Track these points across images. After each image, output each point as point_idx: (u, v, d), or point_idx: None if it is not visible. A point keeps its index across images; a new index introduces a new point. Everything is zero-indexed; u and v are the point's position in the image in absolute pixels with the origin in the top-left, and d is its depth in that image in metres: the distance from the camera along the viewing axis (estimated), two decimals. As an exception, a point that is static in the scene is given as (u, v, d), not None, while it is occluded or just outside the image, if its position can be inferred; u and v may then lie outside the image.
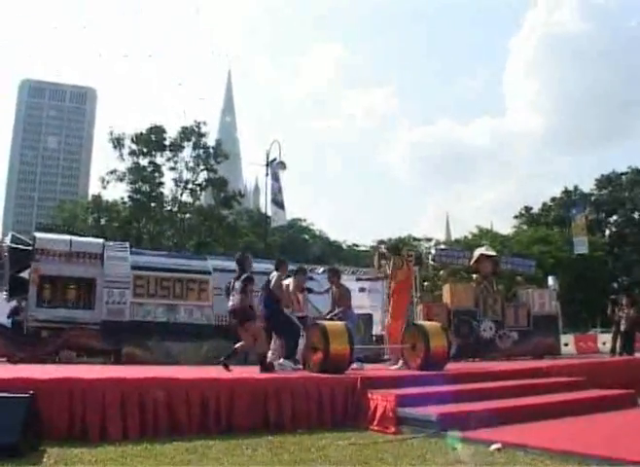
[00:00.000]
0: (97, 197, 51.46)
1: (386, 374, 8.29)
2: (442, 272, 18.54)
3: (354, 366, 8.67)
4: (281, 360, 9.06)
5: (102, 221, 50.53)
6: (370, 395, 6.77)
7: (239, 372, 7.80)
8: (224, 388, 6.39)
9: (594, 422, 6.46)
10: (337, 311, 10.46)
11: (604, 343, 24.09)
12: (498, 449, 5.08)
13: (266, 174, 23.76)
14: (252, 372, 8.00)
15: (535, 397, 7.33)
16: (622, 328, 17.49)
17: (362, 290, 19.66)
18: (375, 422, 6.47)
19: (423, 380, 7.72)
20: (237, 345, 8.67)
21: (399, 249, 11.71)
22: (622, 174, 64.68)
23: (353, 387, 6.99)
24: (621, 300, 18.48)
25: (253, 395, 6.46)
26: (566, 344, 22.32)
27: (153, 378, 6.27)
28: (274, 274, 9.97)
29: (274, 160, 23.33)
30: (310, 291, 10.94)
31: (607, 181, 64.90)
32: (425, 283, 19.15)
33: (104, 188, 49.92)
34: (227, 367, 8.22)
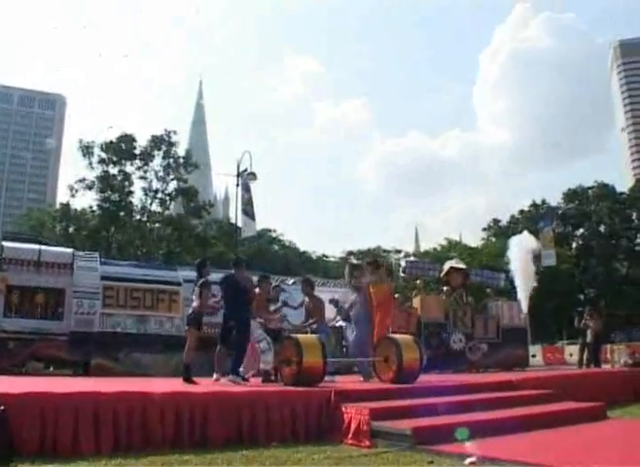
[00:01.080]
0: (66, 206, 50.76)
1: (360, 387, 8.30)
2: (418, 282, 18.61)
3: (326, 379, 8.67)
4: (230, 376, 8.88)
5: (70, 230, 49.86)
6: (344, 408, 6.77)
7: (211, 384, 7.76)
8: (198, 402, 6.35)
9: (566, 435, 6.55)
10: (310, 322, 10.49)
11: (571, 355, 24.48)
12: (473, 463, 5.12)
13: (237, 184, 23.69)
14: (225, 384, 7.96)
15: (507, 410, 7.40)
16: (589, 340, 17.78)
17: (332, 301, 19.63)
18: (350, 436, 6.47)
19: (396, 394, 7.76)
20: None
21: (378, 265, 11.36)
22: (588, 188, 65.80)
23: (327, 400, 6.99)
24: (587, 312, 18.80)
25: (227, 408, 6.43)
26: (534, 356, 22.62)
27: (126, 393, 6.21)
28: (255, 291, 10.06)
29: (245, 170, 23.27)
30: (285, 304, 10.96)
31: (574, 195, 65.97)
32: (396, 295, 19.18)
33: (73, 196, 49.34)
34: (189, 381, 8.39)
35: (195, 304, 9.29)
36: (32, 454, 5.33)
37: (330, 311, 15.23)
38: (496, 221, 69.80)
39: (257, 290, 10.33)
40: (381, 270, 10.83)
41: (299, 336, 8.61)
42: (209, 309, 9.59)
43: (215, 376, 9.18)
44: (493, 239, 65.24)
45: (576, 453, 5.46)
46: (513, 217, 67.92)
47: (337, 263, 71.37)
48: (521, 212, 67.26)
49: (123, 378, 10.09)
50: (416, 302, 17.05)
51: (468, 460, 5.18)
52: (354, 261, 54.55)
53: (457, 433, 5.98)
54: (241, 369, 9.89)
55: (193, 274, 13.67)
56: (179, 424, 6.13)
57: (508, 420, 6.83)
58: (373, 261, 11.79)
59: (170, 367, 13.15)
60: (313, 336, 8.84)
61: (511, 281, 19.63)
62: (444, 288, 17.73)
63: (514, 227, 66.57)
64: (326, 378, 8.64)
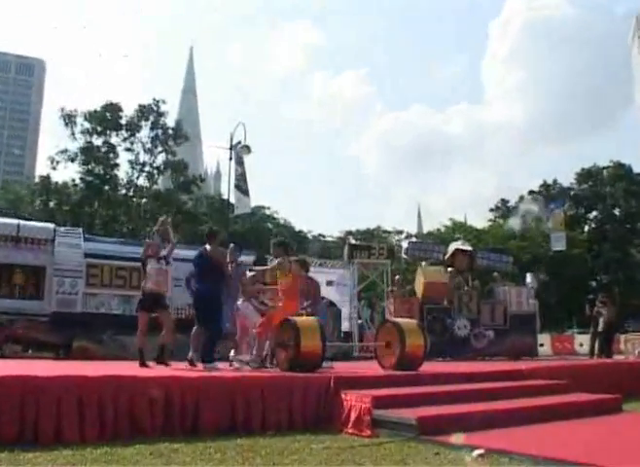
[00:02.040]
0: (46, 179, 50.51)
1: (361, 373, 8.30)
2: (423, 264, 18.59)
3: (323, 364, 8.68)
4: (206, 365, 8.64)
5: (51, 204, 49.68)
6: (344, 396, 6.77)
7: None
8: (189, 387, 6.34)
9: (579, 428, 6.56)
10: (305, 305, 10.47)
11: (581, 345, 24.53)
12: (481, 455, 5.11)
13: (230, 158, 23.56)
14: (218, 369, 7.95)
15: (516, 400, 7.40)
16: (600, 328, 17.79)
17: (329, 283, 19.70)
18: (350, 425, 6.47)
19: (400, 381, 7.76)
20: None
21: (287, 248, 10.24)
22: (603, 168, 65.53)
23: (326, 387, 6.99)
24: (599, 299, 18.78)
25: (220, 395, 6.42)
26: (542, 345, 22.64)
27: (113, 376, 6.18)
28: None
29: (238, 143, 23.13)
30: None
31: (588, 175, 65.76)
32: (396, 277, 19.22)
33: (54, 169, 49.13)
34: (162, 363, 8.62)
35: (146, 284, 9.36)
36: (11, 442, 5.31)
37: (327, 293, 15.28)
38: (504, 201, 69.73)
39: (249, 273, 10.33)
40: (288, 257, 10.03)
41: (296, 318, 8.60)
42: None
43: (190, 354, 9.19)
44: (501, 221, 65.25)
45: (590, 447, 5.46)
46: (522, 198, 67.81)
47: (334, 243, 71.33)
48: (531, 193, 67.11)
49: (107, 362, 10.08)
50: (419, 275, 17.03)
51: (476, 452, 5.17)
52: (353, 241, 54.62)
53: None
54: (231, 354, 9.92)
55: (182, 252, 13.68)
56: (169, 411, 6.12)
57: (517, 411, 6.84)
58: (281, 242, 10.54)
59: (157, 350, 13.14)
60: (312, 318, 8.81)
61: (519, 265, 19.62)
62: (449, 269, 17.73)
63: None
64: (323, 364, 8.66)
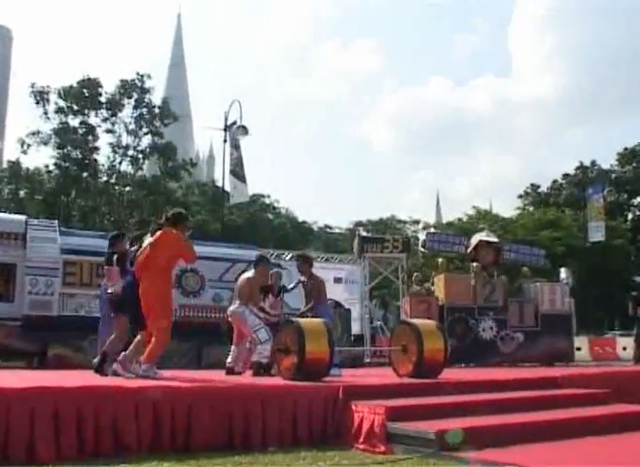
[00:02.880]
0: (15, 164, 50.58)
1: (373, 381, 8.32)
2: (439, 261, 18.59)
3: (332, 371, 8.70)
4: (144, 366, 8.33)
5: (21, 193, 49.78)
6: (354, 407, 6.79)
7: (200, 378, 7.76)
8: (180, 399, 6.36)
9: (620, 444, 6.53)
10: (309, 306, 10.53)
11: (624, 349, 24.44)
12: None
13: (224, 140, 23.64)
14: (212, 378, 7.97)
15: (549, 412, 7.39)
16: (645, 330, 17.74)
17: (337, 280, 19.75)
18: (361, 439, 6.49)
19: (417, 390, 7.77)
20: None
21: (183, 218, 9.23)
22: (649, 147, 65.01)
23: (334, 398, 7.01)
24: (644, 297, 18.72)
25: (216, 406, 6.44)
26: (579, 349, 22.57)
27: (93, 387, 6.21)
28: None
29: (234, 123, 23.20)
30: (286, 290, 11.10)
31: (631, 155, 65.18)
32: (415, 274, 19.23)
33: (24, 153, 49.04)
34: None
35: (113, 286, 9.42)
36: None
37: (335, 291, 15.33)
38: (535, 187, 69.49)
39: (250, 274, 10.39)
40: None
41: (300, 320, 8.61)
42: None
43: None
44: (531, 209, 65.10)
45: None
46: (555, 182, 67.63)
47: (342, 235, 71.40)
48: (566, 176, 66.93)
49: (88, 371, 10.09)
50: (439, 280, 17.07)
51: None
52: (363, 233, 54.66)
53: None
54: (229, 360, 10.01)
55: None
56: (158, 425, 6.14)
57: (550, 425, 6.82)
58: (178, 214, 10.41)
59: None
60: (318, 320, 8.82)
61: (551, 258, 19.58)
62: (474, 264, 17.74)
63: (556, 194, 66.53)
64: (331, 372, 8.68)
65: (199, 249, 16.00)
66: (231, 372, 9.90)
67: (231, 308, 10.17)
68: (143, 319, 8.26)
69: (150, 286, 8.18)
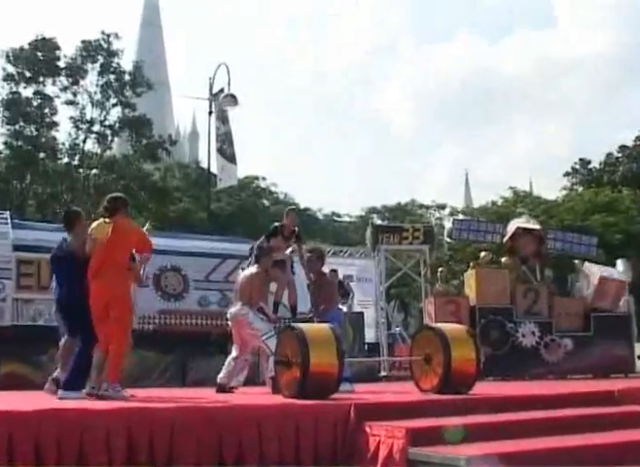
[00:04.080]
0: (-44, 145, 50.66)
1: (390, 398, 8.34)
2: (482, 254, 18.57)
3: (342, 387, 8.72)
4: (61, 392, 8.51)
5: (-36, 180, 49.84)
6: (369, 429, 6.81)
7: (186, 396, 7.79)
8: (160, 422, 6.39)
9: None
10: (320, 310, 10.59)
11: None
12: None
13: (209, 112, 23.63)
14: (198, 396, 7.99)
15: (605, 433, 7.39)
16: None
17: (348, 278, 19.77)
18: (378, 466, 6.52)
19: (444, 408, 7.78)
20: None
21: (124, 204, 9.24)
22: None
23: (345, 418, 7.03)
24: None
25: (203, 431, 6.46)
26: (640, 357, 22.59)
27: (55, 410, 6.23)
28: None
29: (221, 91, 23.16)
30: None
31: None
32: (440, 269, 19.23)
33: (-33, 130, 49.16)
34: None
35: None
36: None
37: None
38: (584, 162, 69.25)
39: (252, 270, 10.45)
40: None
41: (303, 325, 8.62)
42: None
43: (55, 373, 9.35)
44: (580, 189, 64.97)
45: None
46: (609, 156, 67.38)
47: (353, 224, 71.36)
48: (623, 149, 66.64)
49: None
50: (469, 278, 17.07)
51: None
52: (378, 221, 54.65)
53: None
54: (221, 374, 10.06)
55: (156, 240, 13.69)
56: (133, 454, 6.16)
57: (606, 448, 6.81)
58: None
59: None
60: (324, 325, 8.84)
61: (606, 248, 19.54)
62: (508, 258, 17.74)
63: (611, 170, 66.28)
64: (340, 388, 8.70)
65: (182, 243, 16.08)
66: (222, 389, 9.94)
67: (233, 311, 10.22)
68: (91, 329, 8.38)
69: (106, 287, 8.23)
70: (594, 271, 17.31)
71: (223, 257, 16.48)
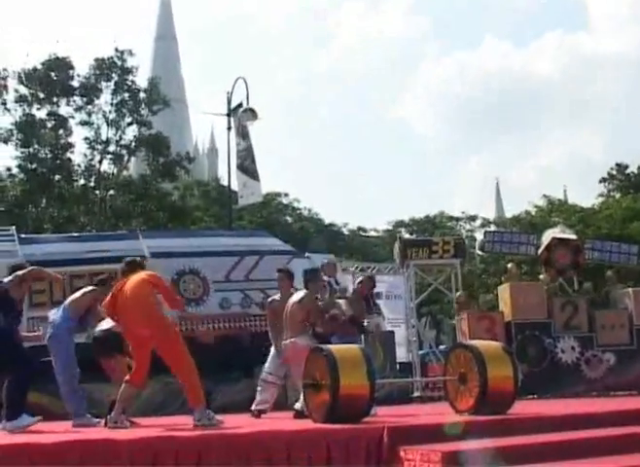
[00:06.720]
0: (-32, 168, 51.00)
1: (426, 421, 8.31)
2: (509, 266, 18.48)
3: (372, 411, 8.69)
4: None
5: (-23, 203, 50.07)
6: (403, 453, 6.78)
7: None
8: (186, 451, 6.38)
9: None
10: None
11: None
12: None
13: (228, 128, 23.68)
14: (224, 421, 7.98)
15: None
16: None
17: (376, 296, 19.69)
18: (414, 492, 6.49)
19: (481, 430, 7.73)
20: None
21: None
22: None
23: (378, 442, 7.01)
24: None
25: (229, 459, 6.45)
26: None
27: (77, 442, 6.24)
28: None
29: (239, 106, 23.19)
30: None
31: None
32: (458, 294, 18.98)
33: (-21, 153, 49.50)
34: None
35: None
36: None
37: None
38: (621, 167, 68.85)
39: (301, 295, 10.36)
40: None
41: (332, 346, 8.60)
42: None
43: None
44: (617, 195, 64.67)
45: None
46: (647, 160, 67.08)
47: (380, 239, 71.27)
48: (661, 153, 66.37)
49: (65, 422, 10.15)
50: (503, 292, 17.00)
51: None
52: (406, 235, 54.58)
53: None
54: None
55: (164, 244, 13.64)
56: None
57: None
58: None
59: (140, 400, 13.10)
60: (354, 346, 8.82)
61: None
62: (545, 271, 17.66)
63: (650, 176, 65.93)
64: (372, 411, 8.67)
65: (196, 242, 15.79)
66: (300, 415, 9.77)
67: (287, 342, 10.07)
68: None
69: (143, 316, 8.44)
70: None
71: (241, 254, 16.10)
